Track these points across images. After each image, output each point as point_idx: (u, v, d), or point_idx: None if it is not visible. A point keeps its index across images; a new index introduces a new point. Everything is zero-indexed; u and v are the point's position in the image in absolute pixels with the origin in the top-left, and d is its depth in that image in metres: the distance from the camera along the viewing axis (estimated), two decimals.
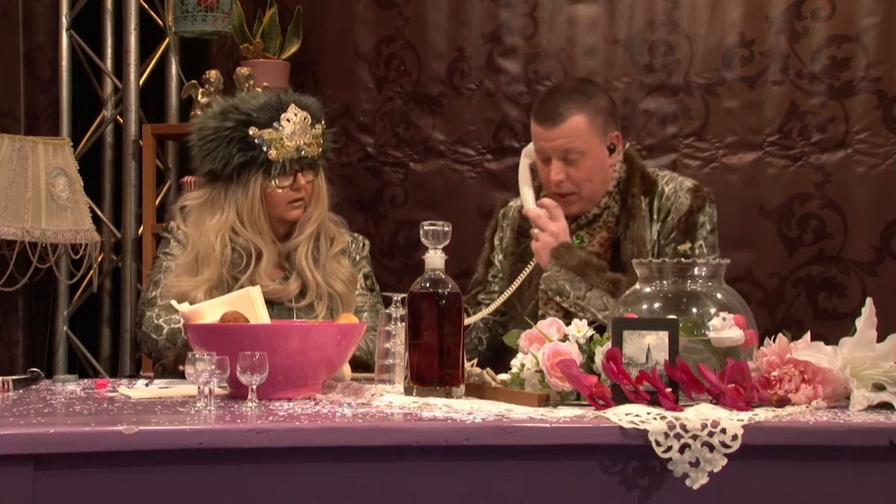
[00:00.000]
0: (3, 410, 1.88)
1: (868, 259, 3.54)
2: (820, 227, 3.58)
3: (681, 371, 1.83)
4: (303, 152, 2.67)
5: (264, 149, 2.63)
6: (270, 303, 2.54)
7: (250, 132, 2.64)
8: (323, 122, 2.75)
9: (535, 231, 2.70)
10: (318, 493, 1.68)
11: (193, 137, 2.72)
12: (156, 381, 2.38)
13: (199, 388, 1.88)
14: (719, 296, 2.05)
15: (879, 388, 1.91)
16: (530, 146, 2.78)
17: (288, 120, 2.65)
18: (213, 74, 3.67)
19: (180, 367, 2.46)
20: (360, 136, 3.96)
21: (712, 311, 2.00)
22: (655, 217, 2.72)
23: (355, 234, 2.89)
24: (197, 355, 1.89)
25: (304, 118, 2.68)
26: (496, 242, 2.93)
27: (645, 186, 2.74)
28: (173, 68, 4.03)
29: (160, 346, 2.58)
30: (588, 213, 2.74)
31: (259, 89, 3.22)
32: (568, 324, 2.03)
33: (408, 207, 3.91)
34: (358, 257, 2.84)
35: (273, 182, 2.66)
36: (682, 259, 2.10)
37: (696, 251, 2.62)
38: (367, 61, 3.95)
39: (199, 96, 3.64)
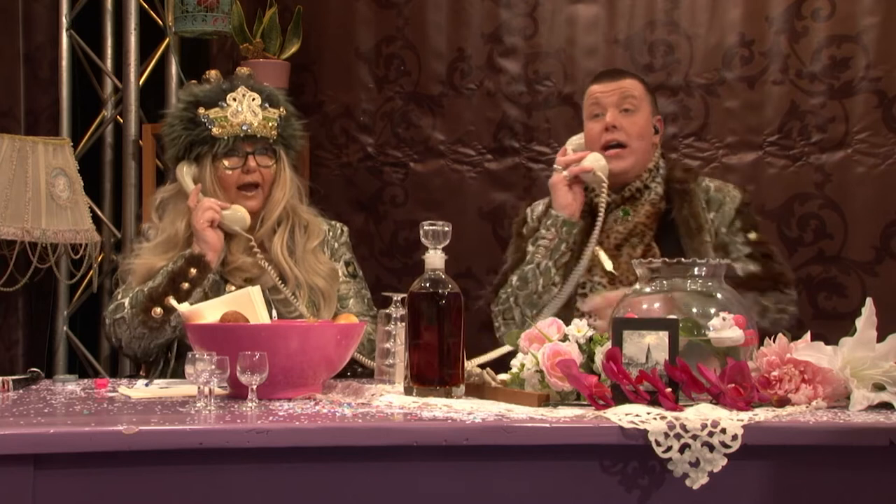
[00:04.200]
0: (3, 410, 1.88)
1: (868, 259, 3.54)
2: (820, 227, 3.58)
3: (681, 371, 1.83)
4: (248, 129, 2.68)
5: (209, 126, 2.68)
6: None
7: (199, 112, 2.69)
8: (282, 109, 2.76)
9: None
10: (318, 493, 1.68)
11: (163, 131, 2.78)
12: (156, 382, 2.38)
13: (199, 388, 1.88)
14: (719, 296, 2.06)
15: (879, 388, 1.92)
16: (571, 137, 2.87)
17: (234, 99, 2.70)
18: (213, 74, 3.66)
19: (156, 312, 2.54)
20: (360, 136, 3.96)
21: (712, 311, 2.00)
22: (704, 206, 2.76)
23: (332, 222, 2.86)
24: (197, 355, 1.89)
25: (253, 98, 2.71)
26: (525, 233, 2.90)
27: (688, 175, 2.83)
28: (173, 68, 4.03)
29: (128, 316, 2.58)
30: (632, 185, 2.78)
31: None
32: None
33: (408, 207, 3.91)
34: (337, 245, 2.82)
35: (223, 162, 2.69)
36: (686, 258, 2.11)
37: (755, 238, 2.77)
38: (367, 61, 3.95)
39: None
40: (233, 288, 2.62)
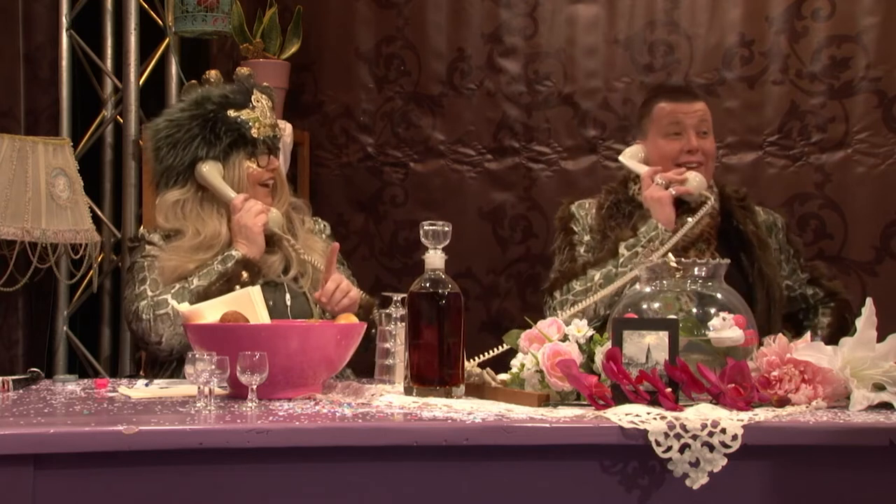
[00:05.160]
0: (3, 410, 1.88)
1: (868, 259, 3.54)
2: (820, 227, 3.58)
3: (681, 371, 1.83)
4: (273, 131, 2.79)
5: (249, 125, 2.73)
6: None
7: (230, 114, 2.73)
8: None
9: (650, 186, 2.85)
10: (318, 493, 1.68)
11: (161, 134, 2.79)
12: (156, 382, 2.38)
13: (199, 388, 1.88)
14: (719, 296, 2.06)
15: (879, 388, 1.92)
16: (631, 148, 2.97)
17: (258, 101, 2.77)
18: (213, 74, 3.66)
19: (244, 275, 2.59)
20: (360, 136, 3.96)
21: (712, 311, 2.00)
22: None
23: (316, 218, 2.95)
24: (197, 355, 1.89)
25: (267, 101, 2.81)
26: (576, 228, 2.95)
27: (742, 194, 2.98)
28: (173, 68, 4.03)
29: (172, 313, 2.57)
30: (697, 198, 2.87)
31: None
32: None
33: (408, 207, 3.91)
34: (324, 236, 2.90)
35: (253, 161, 2.75)
36: (684, 259, 2.11)
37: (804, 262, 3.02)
38: (367, 61, 3.95)
39: None
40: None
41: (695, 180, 2.83)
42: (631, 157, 2.96)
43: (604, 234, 2.89)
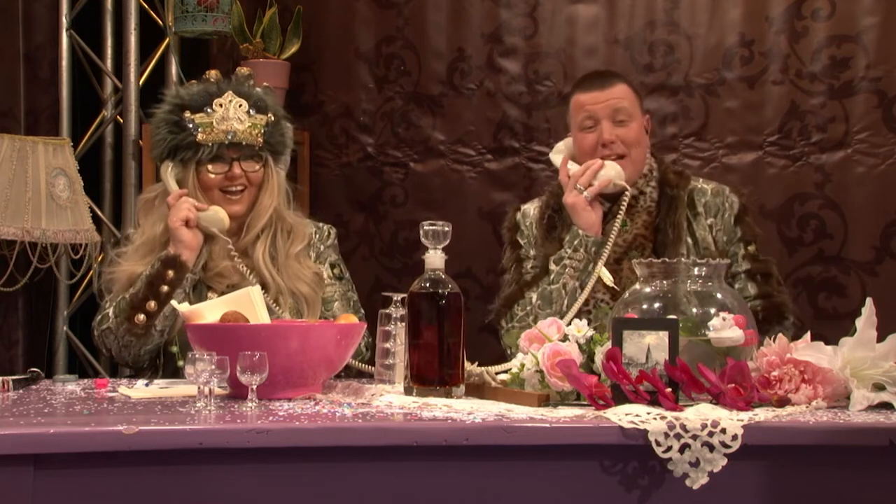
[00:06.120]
0: (3, 410, 1.88)
1: (868, 259, 3.54)
2: (820, 227, 3.58)
3: (681, 371, 1.83)
4: (232, 137, 2.64)
5: (193, 131, 2.63)
6: None
7: (185, 116, 2.65)
8: (270, 115, 2.71)
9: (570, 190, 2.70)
10: (318, 493, 1.68)
11: (150, 131, 2.76)
12: (156, 382, 2.38)
13: (199, 388, 1.88)
14: (719, 296, 2.06)
15: (879, 388, 1.92)
16: (559, 144, 2.84)
17: (220, 105, 2.65)
18: (213, 74, 3.66)
19: (139, 319, 2.51)
20: (360, 136, 3.96)
21: (712, 311, 2.00)
22: (702, 211, 2.74)
23: (320, 224, 2.82)
24: (197, 355, 1.89)
25: (240, 105, 2.66)
26: (521, 241, 2.83)
27: (680, 180, 2.77)
28: (173, 68, 4.02)
29: (113, 326, 2.57)
30: (609, 190, 2.71)
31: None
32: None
33: (408, 207, 3.91)
34: (322, 247, 2.77)
35: (207, 167, 2.65)
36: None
37: (753, 251, 2.75)
38: (367, 61, 3.95)
39: None
40: (214, 295, 2.59)
41: (612, 170, 2.67)
42: (559, 153, 2.82)
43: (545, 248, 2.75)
